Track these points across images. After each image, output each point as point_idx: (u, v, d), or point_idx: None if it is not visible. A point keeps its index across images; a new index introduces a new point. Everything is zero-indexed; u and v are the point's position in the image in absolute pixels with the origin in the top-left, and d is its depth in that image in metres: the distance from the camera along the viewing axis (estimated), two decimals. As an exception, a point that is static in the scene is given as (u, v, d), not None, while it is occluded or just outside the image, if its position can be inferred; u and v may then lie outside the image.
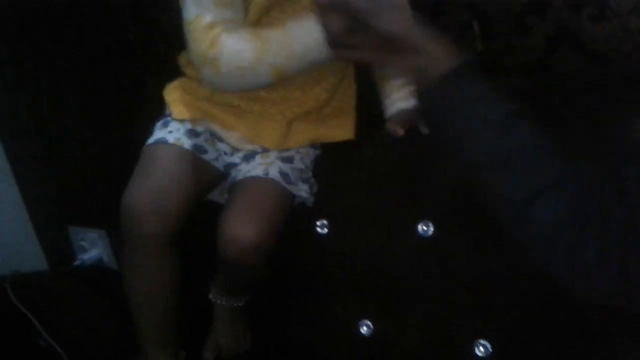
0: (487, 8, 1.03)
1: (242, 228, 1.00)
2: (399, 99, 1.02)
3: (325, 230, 1.10)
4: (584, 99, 0.92)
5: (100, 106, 1.60)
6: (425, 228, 0.98)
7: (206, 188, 1.16)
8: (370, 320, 1.05)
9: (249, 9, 0.96)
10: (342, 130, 1.12)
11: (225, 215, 1.03)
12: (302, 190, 1.09)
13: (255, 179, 1.08)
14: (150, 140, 1.11)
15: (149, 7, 1.38)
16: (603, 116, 0.89)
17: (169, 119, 1.13)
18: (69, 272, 1.69)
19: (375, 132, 1.06)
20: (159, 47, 1.43)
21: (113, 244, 1.72)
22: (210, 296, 1.21)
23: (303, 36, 0.89)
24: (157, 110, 1.50)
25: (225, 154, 1.14)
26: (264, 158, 1.11)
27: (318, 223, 1.10)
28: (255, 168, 1.10)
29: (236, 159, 1.14)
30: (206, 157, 1.11)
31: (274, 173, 1.08)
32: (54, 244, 1.84)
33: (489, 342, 0.92)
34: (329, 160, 1.12)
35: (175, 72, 1.43)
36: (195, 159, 1.09)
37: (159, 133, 1.11)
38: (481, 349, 0.93)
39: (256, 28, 0.96)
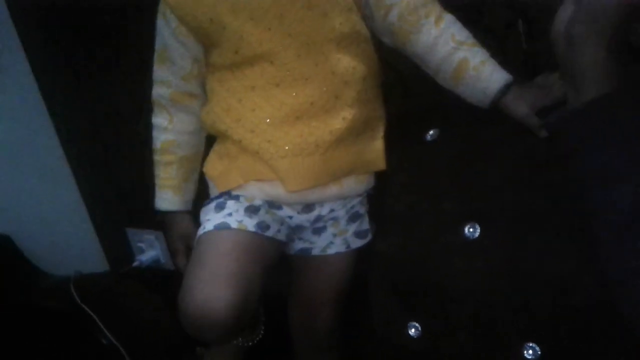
0: (531, 7, 1.02)
1: (324, 316, 1.12)
2: (493, 70, 0.95)
3: (372, 232, 1.11)
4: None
5: (151, 113, 1.64)
6: (472, 230, 0.98)
7: (271, 267, 1.05)
8: (418, 322, 1.05)
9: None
10: (378, 156, 1.07)
11: (302, 301, 1.14)
12: (373, 228, 1.13)
13: (337, 255, 1.11)
14: (208, 226, 1.00)
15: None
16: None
17: (222, 199, 1.04)
18: (128, 272, 1.75)
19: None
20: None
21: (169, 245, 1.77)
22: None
23: None
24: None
25: (290, 217, 1.07)
26: (335, 227, 1.10)
27: (365, 226, 1.11)
28: (333, 242, 1.10)
29: (305, 222, 1.08)
30: (269, 233, 1.02)
31: (353, 241, 1.10)
32: (113, 245, 1.91)
33: (538, 344, 0.91)
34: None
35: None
36: (261, 242, 1.01)
37: (216, 217, 1.00)
38: (530, 352, 0.91)
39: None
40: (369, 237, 1.12)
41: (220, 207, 1.03)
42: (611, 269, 0.68)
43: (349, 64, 0.98)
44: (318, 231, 1.10)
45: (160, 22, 1.03)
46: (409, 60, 1.03)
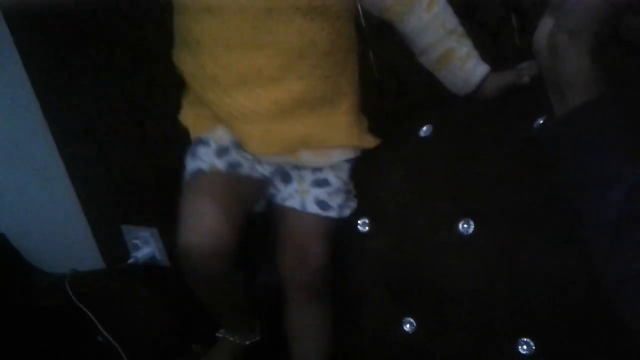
0: (524, 2, 1.02)
1: (297, 269, 1.07)
2: (475, 64, 1.01)
3: (367, 228, 1.11)
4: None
5: (148, 108, 1.64)
6: (466, 226, 0.98)
7: (252, 202, 1.12)
8: (413, 318, 1.06)
9: None
10: (341, 131, 1.06)
11: (280, 251, 1.09)
12: (346, 208, 1.11)
13: (292, 211, 1.09)
14: (186, 174, 1.07)
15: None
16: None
17: (196, 146, 1.08)
18: (123, 269, 1.75)
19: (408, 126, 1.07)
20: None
21: (165, 242, 1.77)
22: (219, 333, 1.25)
23: None
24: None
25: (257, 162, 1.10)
26: (300, 183, 1.10)
27: (359, 222, 1.11)
28: (292, 196, 1.10)
29: (266, 171, 1.10)
30: (242, 171, 1.07)
31: (310, 205, 1.08)
32: (109, 243, 1.91)
33: (533, 340, 0.92)
34: (367, 158, 1.12)
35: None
36: (233, 179, 1.06)
37: (191, 164, 1.07)
38: (524, 347, 0.92)
39: None
40: (331, 212, 1.09)
41: (193, 155, 1.07)
42: (604, 275, 0.69)
43: (307, 37, 0.95)
44: (285, 180, 1.11)
45: None
46: (402, 57, 1.03)
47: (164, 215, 1.77)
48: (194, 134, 1.08)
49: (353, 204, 1.12)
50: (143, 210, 1.81)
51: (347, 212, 1.11)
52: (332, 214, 1.09)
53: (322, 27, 0.96)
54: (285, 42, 0.94)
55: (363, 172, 1.12)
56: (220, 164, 1.05)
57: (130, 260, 1.77)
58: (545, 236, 0.90)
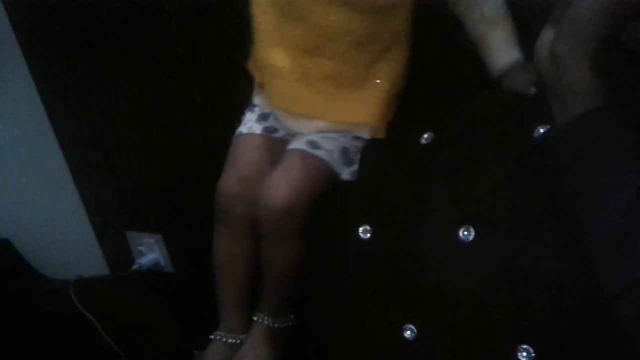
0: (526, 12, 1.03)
1: (273, 192, 1.09)
2: (502, 54, 1.05)
3: (368, 235, 1.11)
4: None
5: (153, 116, 1.66)
6: (466, 233, 0.98)
7: None
8: (414, 325, 1.05)
9: None
10: (357, 110, 1.12)
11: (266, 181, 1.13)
12: (340, 164, 1.13)
13: (288, 152, 1.14)
14: (236, 133, 1.22)
15: (196, 24, 1.43)
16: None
17: (245, 112, 1.23)
18: (127, 275, 1.76)
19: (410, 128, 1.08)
20: (205, 59, 1.50)
21: (169, 248, 1.78)
22: (255, 317, 1.24)
23: None
24: (207, 119, 1.56)
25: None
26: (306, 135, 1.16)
27: (360, 228, 1.11)
28: (292, 144, 1.16)
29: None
30: (277, 135, 1.19)
31: (299, 144, 1.13)
32: (113, 249, 1.92)
33: (532, 346, 0.92)
34: (369, 164, 1.13)
35: (220, 83, 1.49)
36: (268, 142, 1.18)
37: (238, 128, 1.22)
38: (524, 354, 0.92)
39: None
40: (319, 152, 1.11)
41: (242, 120, 1.23)
42: (606, 283, 0.69)
43: (342, 26, 1.03)
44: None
45: None
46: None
47: (169, 221, 1.80)
48: (256, 77, 1.21)
49: (353, 169, 1.15)
50: (148, 216, 1.82)
51: (341, 168, 1.13)
52: (320, 153, 1.11)
53: (362, 19, 1.03)
54: (319, 24, 1.04)
55: (364, 179, 1.12)
56: (257, 128, 1.19)
57: (135, 267, 1.78)
58: (545, 243, 0.90)
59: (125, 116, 1.71)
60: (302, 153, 1.12)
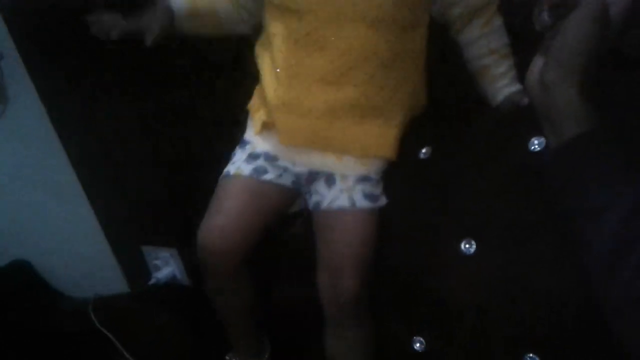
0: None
1: (346, 281, 1.08)
2: (505, 85, 1.04)
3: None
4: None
5: (162, 130, 1.66)
6: (468, 246, 0.98)
7: (274, 210, 1.16)
8: (423, 337, 1.06)
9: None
10: (382, 144, 1.06)
11: (326, 265, 1.10)
12: (383, 198, 1.11)
13: (341, 211, 1.08)
14: (222, 176, 1.16)
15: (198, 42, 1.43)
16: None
17: (236, 149, 1.17)
18: (145, 292, 1.78)
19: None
20: (208, 75, 1.51)
21: (185, 262, 1.79)
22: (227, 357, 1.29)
23: None
24: (212, 131, 1.56)
25: (292, 166, 1.12)
26: (344, 182, 1.09)
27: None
28: (338, 197, 1.09)
29: (301, 172, 1.12)
30: (267, 177, 1.11)
31: (360, 200, 1.08)
32: (130, 264, 1.94)
33: (538, 355, 0.91)
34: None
35: (222, 98, 1.49)
36: (257, 186, 1.11)
37: (227, 166, 1.16)
38: (531, 363, 0.92)
39: None
40: (380, 202, 1.09)
41: (232, 157, 1.17)
42: (603, 298, 0.71)
43: (369, 47, 0.98)
44: (329, 183, 1.10)
45: None
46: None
47: (183, 235, 1.80)
48: (252, 127, 1.14)
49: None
50: (162, 230, 1.84)
51: (384, 201, 1.12)
52: (381, 202, 1.10)
53: (387, 39, 0.98)
54: (346, 48, 0.98)
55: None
56: (246, 169, 1.12)
57: (152, 281, 1.79)
58: (546, 253, 0.90)
59: (135, 131, 1.72)
60: (359, 213, 1.08)
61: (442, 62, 1.13)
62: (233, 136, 1.28)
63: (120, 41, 1.56)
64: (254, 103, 1.15)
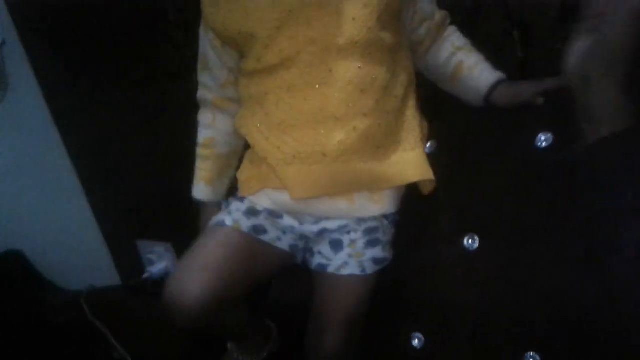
0: (526, 16, 1.02)
1: (339, 346, 1.08)
2: (482, 71, 1.03)
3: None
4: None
5: (162, 124, 1.66)
6: (471, 241, 0.98)
7: (265, 273, 1.11)
8: (421, 333, 1.05)
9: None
10: (412, 167, 1.01)
11: (323, 323, 1.10)
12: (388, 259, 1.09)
13: (350, 278, 1.06)
14: (211, 222, 1.08)
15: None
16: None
17: (231, 199, 1.11)
18: (139, 285, 1.76)
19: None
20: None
21: (179, 256, 1.78)
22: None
23: None
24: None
25: (292, 227, 1.07)
26: (353, 247, 1.05)
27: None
28: (348, 263, 1.06)
29: (308, 232, 1.07)
30: (265, 238, 1.05)
31: (370, 267, 1.06)
32: (124, 258, 1.93)
33: (539, 354, 0.91)
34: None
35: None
36: (255, 246, 1.05)
37: (219, 216, 1.08)
38: (531, 361, 0.92)
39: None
40: (386, 262, 1.08)
41: (226, 207, 1.10)
42: (624, 299, 0.69)
43: (367, 73, 0.95)
44: (335, 247, 1.07)
45: (201, 32, 1.08)
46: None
47: (179, 229, 1.79)
48: (241, 191, 1.09)
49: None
50: (158, 225, 1.83)
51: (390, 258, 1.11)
52: (387, 262, 1.08)
53: (382, 61, 0.96)
54: (346, 78, 0.94)
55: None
56: (245, 225, 1.04)
57: (146, 275, 1.78)
58: (548, 250, 0.90)
59: (134, 125, 1.71)
60: (366, 280, 1.06)
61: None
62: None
63: (120, 35, 1.57)
64: (244, 170, 1.10)
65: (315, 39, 0.92)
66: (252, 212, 1.05)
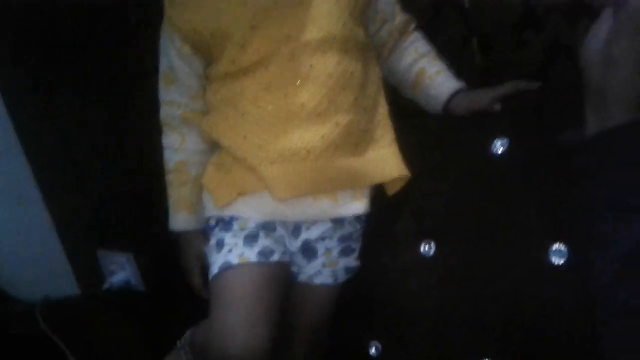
0: (485, 24, 1.02)
1: (307, 354, 1.08)
2: (444, 80, 1.03)
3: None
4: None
5: (126, 132, 1.63)
6: (427, 248, 0.97)
7: (285, 292, 1.05)
8: (378, 341, 1.05)
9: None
10: (390, 164, 1.01)
11: (290, 337, 1.09)
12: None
13: (323, 288, 1.07)
14: (214, 269, 1.00)
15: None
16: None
17: (219, 233, 1.03)
18: (98, 295, 1.73)
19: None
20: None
21: (140, 267, 1.75)
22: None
23: None
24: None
25: (289, 236, 1.05)
26: (328, 256, 1.05)
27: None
28: (321, 272, 1.06)
29: (294, 247, 1.05)
30: (275, 258, 1.00)
31: (342, 276, 1.06)
32: (84, 268, 1.89)
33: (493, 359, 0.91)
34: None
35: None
36: (267, 270, 0.99)
37: (218, 258, 1.00)
38: (487, 368, 0.91)
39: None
40: (357, 269, 1.07)
41: (220, 246, 1.01)
42: (603, 301, 0.66)
43: (345, 69, 0.95)
44: (309, 256, 1.06)
45: (164, 44, 1.04)
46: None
47: (140, 240, 1.77)
48: (216, 202, 1.02)
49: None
50: (119, 235, 1.80)
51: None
52: (357, 271, 1.07)
53: (357, 58, 0.97)
54: (327, 72, 0.94)
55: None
56: (251, 255, 0.98)
57: (106, 286, 1.75)
58: (505, 256, 0.90)
59: (96, 129, 1.69)
60: (338, 288, 1.07)
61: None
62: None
63: (81, 35, 1.55)
64: (212, 177, 1.05)
65: (291, 36, 0.92)
66: (251, 238, 1.00)
